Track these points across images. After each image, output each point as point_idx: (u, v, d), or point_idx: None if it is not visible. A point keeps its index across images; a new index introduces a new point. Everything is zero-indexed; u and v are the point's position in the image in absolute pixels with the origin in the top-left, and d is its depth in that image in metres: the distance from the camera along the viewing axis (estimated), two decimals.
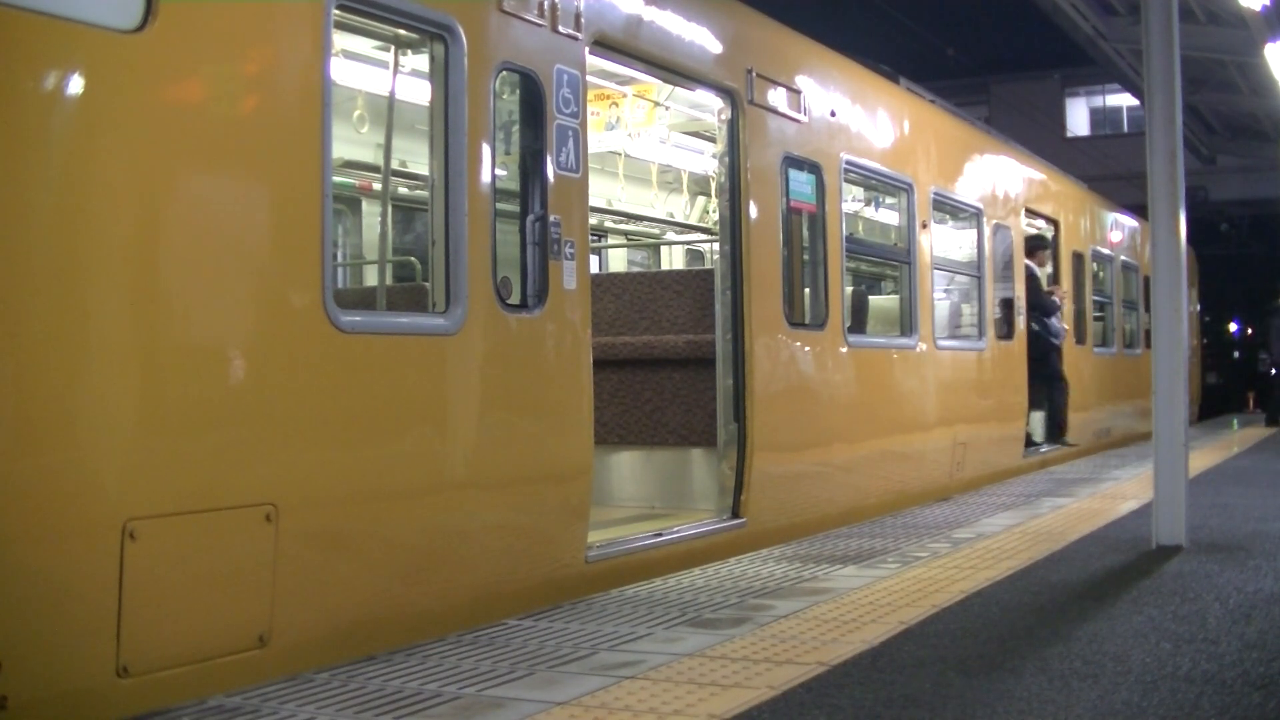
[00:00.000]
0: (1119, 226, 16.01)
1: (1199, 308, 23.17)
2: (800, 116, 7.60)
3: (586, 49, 5.72)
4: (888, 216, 10.79)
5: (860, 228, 10.61)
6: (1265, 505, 8.00)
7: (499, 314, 5.10)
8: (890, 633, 4.27)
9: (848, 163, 8.23)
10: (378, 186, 7.30)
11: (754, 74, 7.05)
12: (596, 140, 8.03)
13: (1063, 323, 12.41)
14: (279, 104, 4.20)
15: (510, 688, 3.62)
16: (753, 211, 6.95)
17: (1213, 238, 32.59)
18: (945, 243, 10.96)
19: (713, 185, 9.44)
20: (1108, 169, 25.74)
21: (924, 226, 9.44)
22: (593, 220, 9.25)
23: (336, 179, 6.32)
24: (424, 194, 6.68)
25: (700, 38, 6.70)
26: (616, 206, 10.02)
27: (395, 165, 7.11)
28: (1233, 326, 42.36)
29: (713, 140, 7.80)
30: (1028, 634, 4.29)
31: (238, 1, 4.04)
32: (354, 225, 7.81)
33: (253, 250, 4.10)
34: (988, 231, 10.83)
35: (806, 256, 7.94)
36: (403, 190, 7.95)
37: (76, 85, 3.58)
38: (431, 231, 4.97)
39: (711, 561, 6.04)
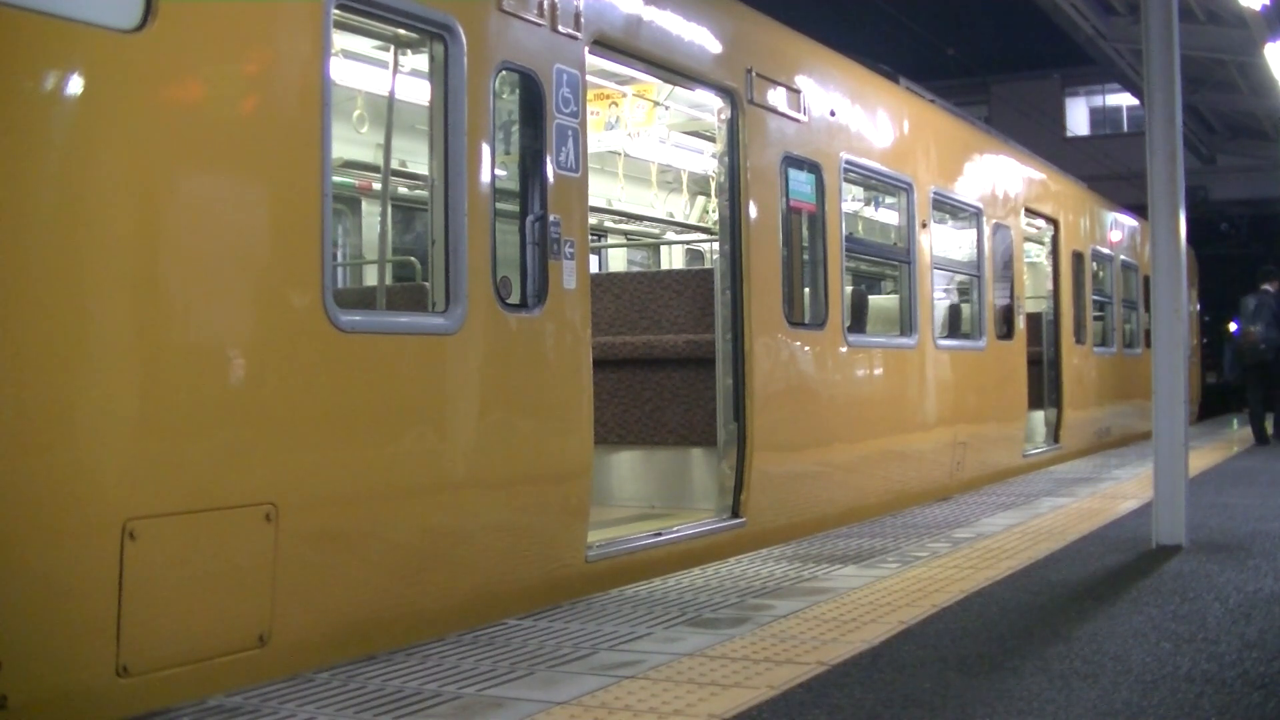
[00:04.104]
0: (1119, 226, 16.02)
1: (1199, 308, 23.17)
2: (800, 116, 7.60)
3: (586, 49, 5.71)
4: (888, 216, 10.79)
5: (860, 227, 10.62)
6: (1265, 505, 8.00)
7: (499, 313, 5.10)
8: (890, 632, 4.27)
9: (847, 162, 8.22)
10: (378, 186, 7.30)
11: (754, 74, 7.05)
12: (596, 140, 8.02)
13: None
14: (279, 104, 4.20)
15: (510, 687, 3.62)
16: (752, 211, 6.95)
17: (1213, 238, 32.55)
18: (945, 242, 10.96)
19: (712, 185, 9.44)
20: (1108, 169, 25.73)
21: (924, 226, 9.44)
22: (593, 220, 9.26)
23: (336, 179, 6.32)
24: (424, 194, 6.68)
25: (700, 37, 6.70)
26: (616, 206, 10.02)
27: (395, 165, 7.11)
28: (1232, 326, 42.34)
29: (713, 140, 7.79)
30: (1028, 634, 4.29)
31: (238, 1, 4.04)
32: (354, 225, 7.81)
33: (252, 250, 4.10)
34: (987, 231, 10.83)
35: (806, 256, 7.94)
36: (403, 190, 7.94)
37: (76, 85, 3.58)
38: (431, 231, 4.97)
39: (711, 561, 6.04)
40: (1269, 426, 14.11)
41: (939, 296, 10.28)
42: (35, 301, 3.47)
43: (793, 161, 7.50)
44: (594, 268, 9.36)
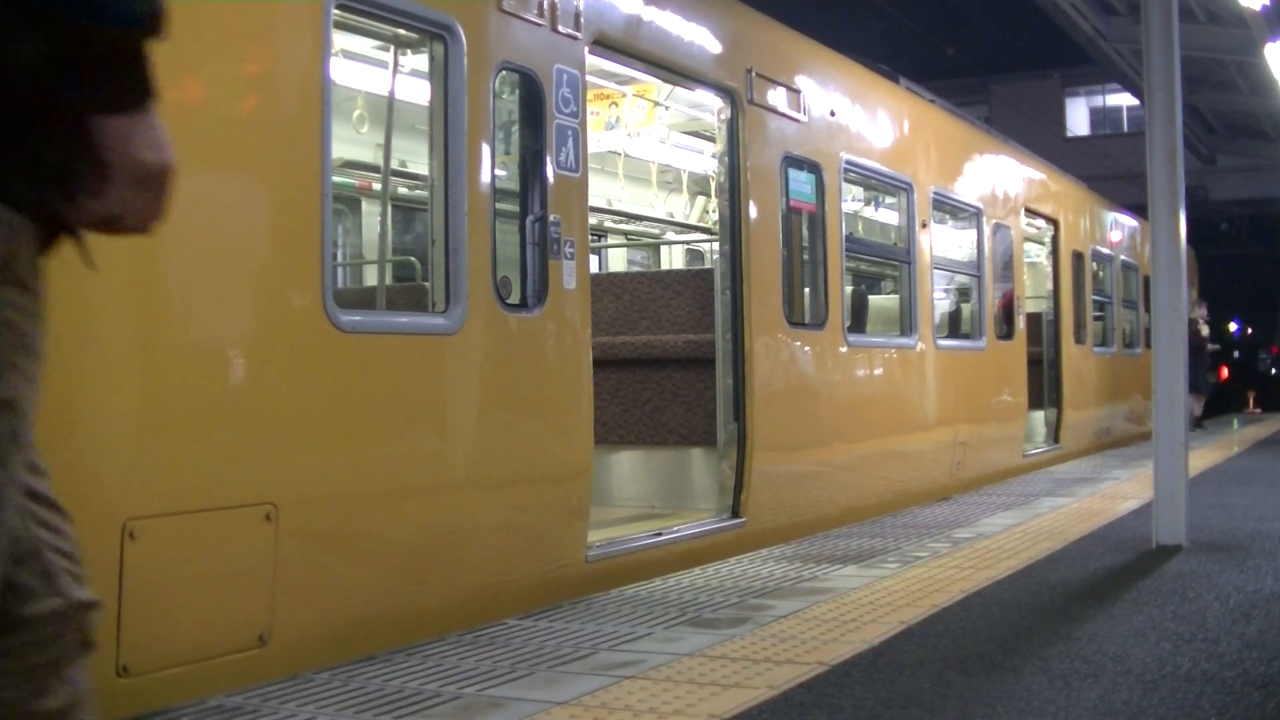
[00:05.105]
0: (1119, 226, 16.02)
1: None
2: (800, 116, 7.60)
3: (586, 48, 5.71)
4: (888, 216, 10.79)
5: (860, 227, 10.62)
6: (1265, 505, 8.00)
7: (499, 313, 5.10)
8: (890, 632, 4.26)
9: (847, 162, 8.23)
10: (378, 186, 7.30)
11: (754, 74, 7.05)
12: (596, 140, 8.02)
13: None
14: (279, 104, 4.20)
15: (510, 687, 3.62)
16: (752, 211, 6.95)
17: (1213, 238, 32.58)
18: (945, 242, 10.96)
19: (712, 185, 9.44)
20: (1108, 169, 25.74)
21: (924, 226, 9.44)
22: (593, 220, 9.25)
23: (336, 179, 6.32)
24: (424, 194, 6.67)
25: (700, 37, 6.70)
26: (616, 206, 10.02)
27: (395, 165, 7.11)
28: (1233, 326, 42.41)
29: (713, 140, 7.79)
30: (1028, 634, 4.29)
31: (237, 1, 4.04)
32: (354, 225, 7.81)
33: (253, 250, 4.10)
34: (987, 231, 10.83)
35: (806, 256, 7.94)
36: (403, 190, 7.94)
37: None
38: (431, 231, 4.97)
39: (711, 561, 6.03)
40: None
41: (939, 297, 10.28)
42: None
43: (793, 161, 7.50)
44: (594, 268, 9.36)
